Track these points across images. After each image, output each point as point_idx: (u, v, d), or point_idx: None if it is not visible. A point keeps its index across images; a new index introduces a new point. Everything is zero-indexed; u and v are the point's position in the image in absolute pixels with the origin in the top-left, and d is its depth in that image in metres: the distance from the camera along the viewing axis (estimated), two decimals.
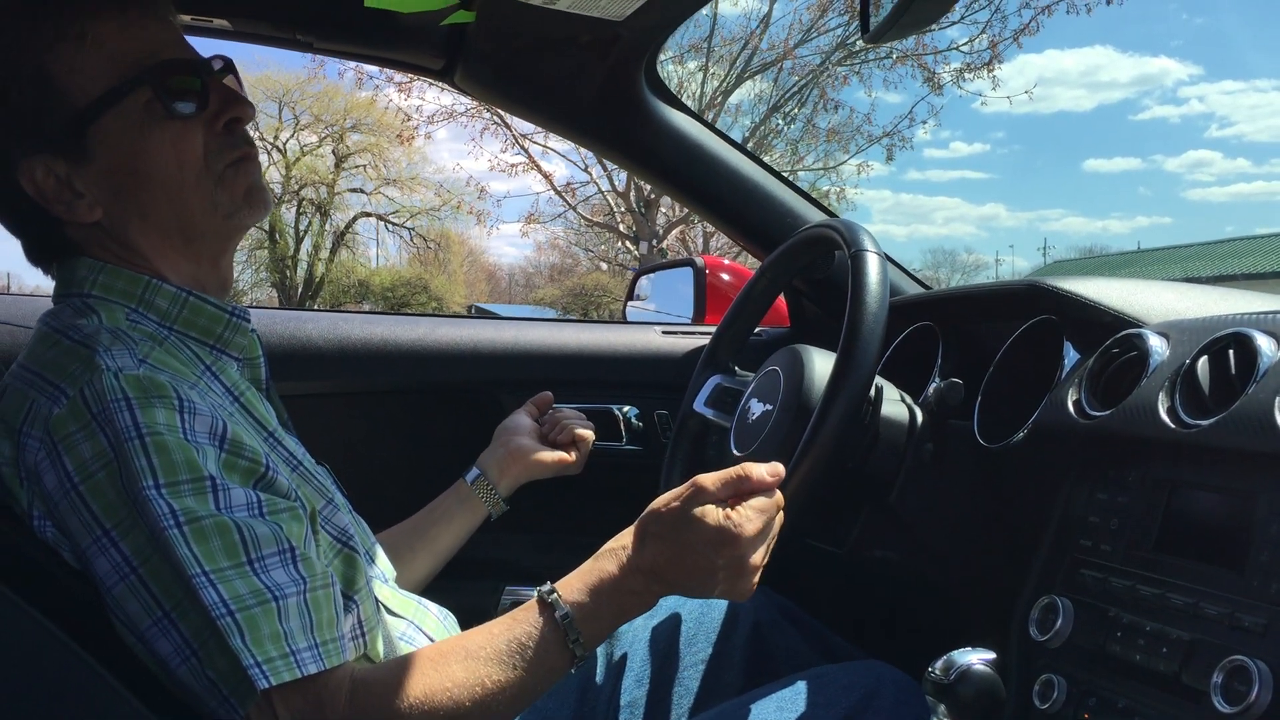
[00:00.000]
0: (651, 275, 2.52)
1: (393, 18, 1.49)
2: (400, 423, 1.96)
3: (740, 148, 1.89)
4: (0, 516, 0.95)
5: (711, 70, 17.80)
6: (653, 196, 17.53)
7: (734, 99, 18.53)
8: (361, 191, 29.14)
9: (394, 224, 29.85)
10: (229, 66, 1.11)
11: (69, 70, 1.00)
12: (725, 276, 2.27)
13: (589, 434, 1.52)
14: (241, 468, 0.96)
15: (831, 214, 1.93)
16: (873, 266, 1.28)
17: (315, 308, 24.61)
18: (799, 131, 18.31)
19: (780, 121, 17.64)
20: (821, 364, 1.35)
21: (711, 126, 1.85)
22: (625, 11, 1.43)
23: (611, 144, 1.85)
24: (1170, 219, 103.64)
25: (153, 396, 0.93)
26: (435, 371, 1.88)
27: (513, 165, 18.37)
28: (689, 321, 2.19)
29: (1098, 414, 1.12)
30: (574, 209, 19.58)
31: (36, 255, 1.09)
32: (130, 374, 0.93)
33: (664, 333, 2.02)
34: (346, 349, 1.83)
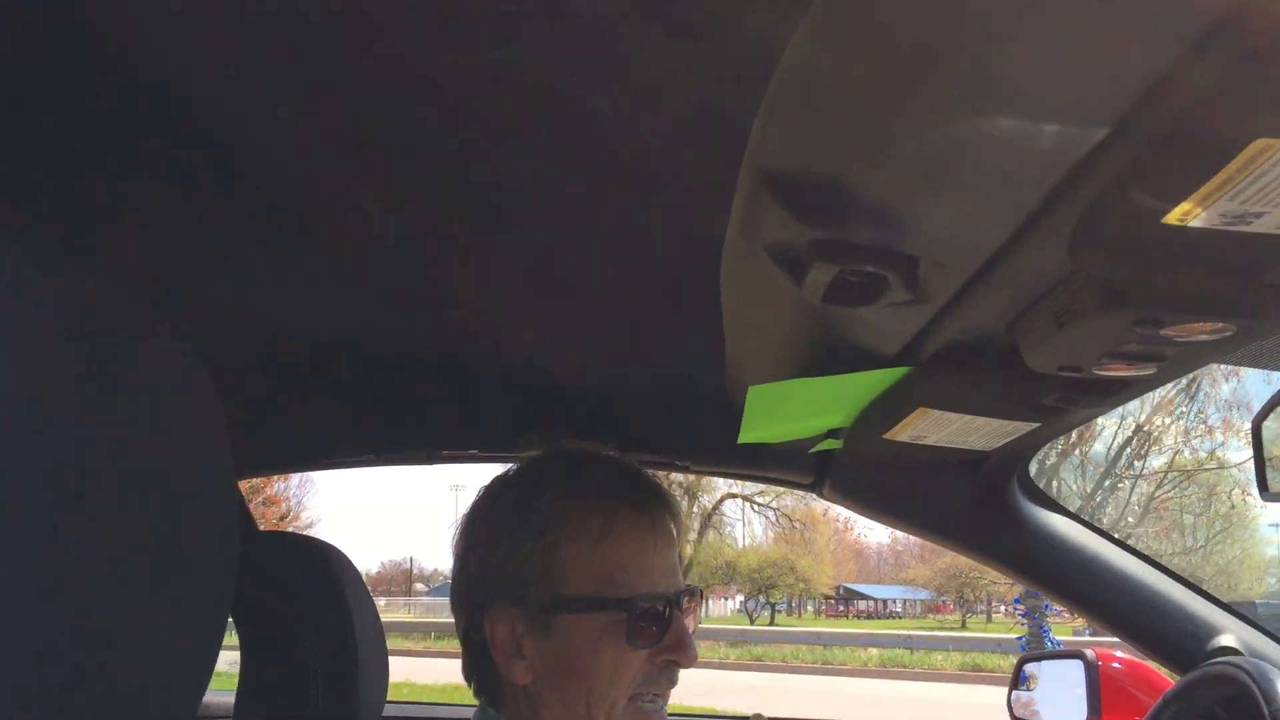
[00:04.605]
0: (1037, 663, 2.35)
1: (764, 445, 1.58)
2: None
3: (1133, 551, 1.76)
4: None
5: None
6: None
7: None
8: None
9: (759, 504, 30.28)
10: (698, 593, 1.15)
11: (575, 560, 1.06)
12: (1117, 666, 2.07)
13: None
14: None
15: (1249, 620, 1.73)
16: None
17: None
18: None
19: None
20: None
21: (1095, 527, 1.75)
22: (994, 445, 1.42)
23: (985, 550, 1.79)
24: None
25: None
26: None
27: None
28: None
29: None
30: None
31: (466, 672, 1.14)
32: None
33: None
34: None
